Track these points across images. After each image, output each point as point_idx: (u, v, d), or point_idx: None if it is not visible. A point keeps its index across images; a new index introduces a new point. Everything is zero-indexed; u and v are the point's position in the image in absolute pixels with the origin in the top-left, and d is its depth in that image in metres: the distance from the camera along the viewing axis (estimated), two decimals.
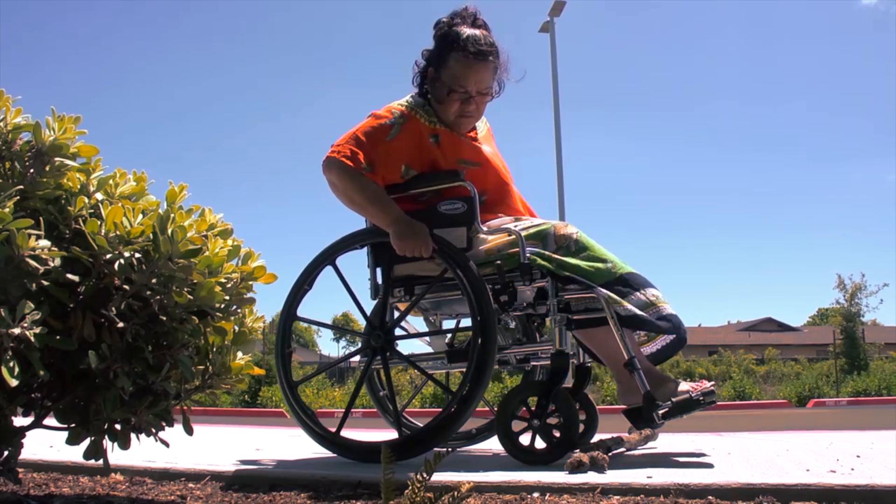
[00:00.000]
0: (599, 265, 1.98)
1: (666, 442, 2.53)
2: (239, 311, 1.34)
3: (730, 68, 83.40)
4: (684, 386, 1.93)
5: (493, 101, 2.28)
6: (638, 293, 1.96)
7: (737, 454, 2.07)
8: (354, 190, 2.08)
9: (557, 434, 1.86)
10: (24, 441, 1.24)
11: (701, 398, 1.85)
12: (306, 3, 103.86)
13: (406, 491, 1.08)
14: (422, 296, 2.16)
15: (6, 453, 1.22)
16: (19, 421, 1.23)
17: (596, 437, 1.95)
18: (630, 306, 1.91)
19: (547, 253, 1.99)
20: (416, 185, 2.18)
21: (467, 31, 2.16)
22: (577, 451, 1.71)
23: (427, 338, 2.47)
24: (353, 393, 2.19)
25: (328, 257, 2.19)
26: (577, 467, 1.67)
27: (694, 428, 4.16)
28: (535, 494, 1.42)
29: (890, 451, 2.03)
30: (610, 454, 1.83)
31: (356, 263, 2.29)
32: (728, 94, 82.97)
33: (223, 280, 1.25)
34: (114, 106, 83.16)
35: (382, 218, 2.08)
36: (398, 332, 2.18)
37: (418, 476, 1.08)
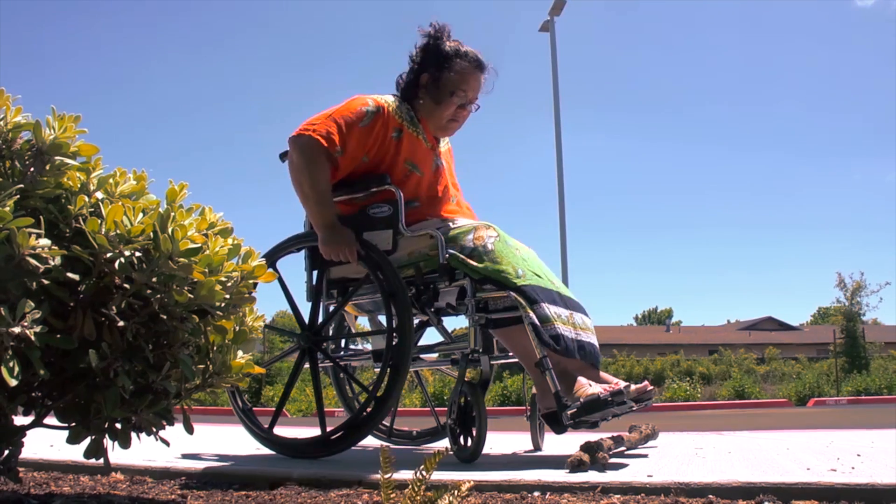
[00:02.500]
0: (508, 271, 1.99)
1: (666, 441, 2.53)
2: (239, 309, 1.34)
3: (729, 67, 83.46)
4: (596, 388, 1.90)
5: (489, 107, 2.42)
6: (541, 305, 1.96)
7: (737, 453, 2.07)
8: (308, 177, 2.13)
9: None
10: (24, 440, 1.24)
11: (609, 398, 1.83)
12: (307, 3, 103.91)
13: (406, 490, 1.08)
14: (348, 298, 2.24)
15: (7, 452, 1.22)
16: (20, 420, 1.23)
17: (596, 437, 1.95)
18: (532, 315, 1.92)
19: (461, 256, 2.03)
20: (344, 190, 2.24)
21: (464, 47, 2.31)
22: (578, 449, 1.72)
23: (365, 338, 2.55)
24: (317, 394, 2.21)
25: (268, 259, 2.27)
26: (578, 466, 1.67)
27: (694, 427, 4.16)
28: (536, 493, 1.43)
29: (890, 450, 2.03)
30: (610, 453, 1.84)
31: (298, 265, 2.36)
32: (727, 93, 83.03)
33: (223, 279, 1.24)
34: (114, 105, 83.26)
35: (317, 219, 2.14)
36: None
37: (418, 475, 1.08)
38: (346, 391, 2.74)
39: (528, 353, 2.00)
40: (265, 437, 2.21)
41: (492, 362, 2.31)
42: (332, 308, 2.33)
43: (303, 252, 2.35)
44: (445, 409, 2.02)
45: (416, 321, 2.51)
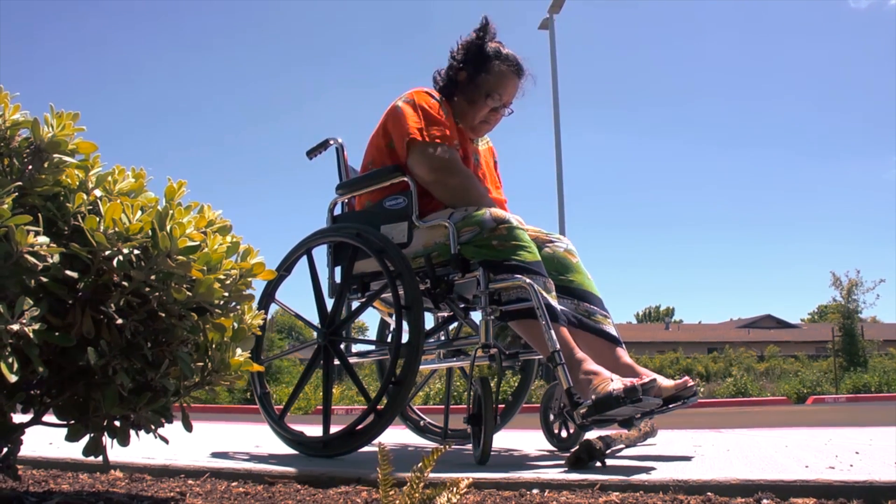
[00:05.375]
0: (528, 248, 2.00)
1: (665, 438, 2.54)
2: (238, 307, 1.34)
3: (728, 65, 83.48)
4: (616, 383, 1.75)
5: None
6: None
7: (736, 450, 2.08)
8: (452, 175, 2.15)
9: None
10: (23, 438, 1.24)
11: (623, 395, 1.68)
12: (307, 2, 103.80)
13: (405, 487, 1.08)
14: (377, 294, 2.21)
15: (5, 450, 1.22)
16: (18, 418, 1.23)
17: (595, 434, 1.93)
18: (545, 296, 1.90)
19: (485, 235, 2.00)
20: (364, 182, 2.25)
21: (505, 49, 2.33)
22: (577, 447, 1.72)
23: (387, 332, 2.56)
24: (325, 394, 2.18)
25: (304, 246, 2.26)
26: (576, 463, 1.67)
27: (693, 425, 4.17)
28: (535, 491, 1.43)
29: (888, 448, 2.03)
30: (609, 451, 1.83)
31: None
32: (727, 91, 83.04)
33: (222, 276, 1.24)
34: (112, 103, 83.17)
35: (484, 199, 2.15)
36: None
37: (416, 472, 1.08)
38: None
39: (544, 346, 1.90)
40: (276, 425, 2.21)
41: (522, 357, 2.30)
42: (354, 305, 2.31)
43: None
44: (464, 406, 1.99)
45: (444, 315, 2.51)
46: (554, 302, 1.93)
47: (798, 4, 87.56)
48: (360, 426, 1.98)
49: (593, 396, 1.73)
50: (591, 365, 1.86)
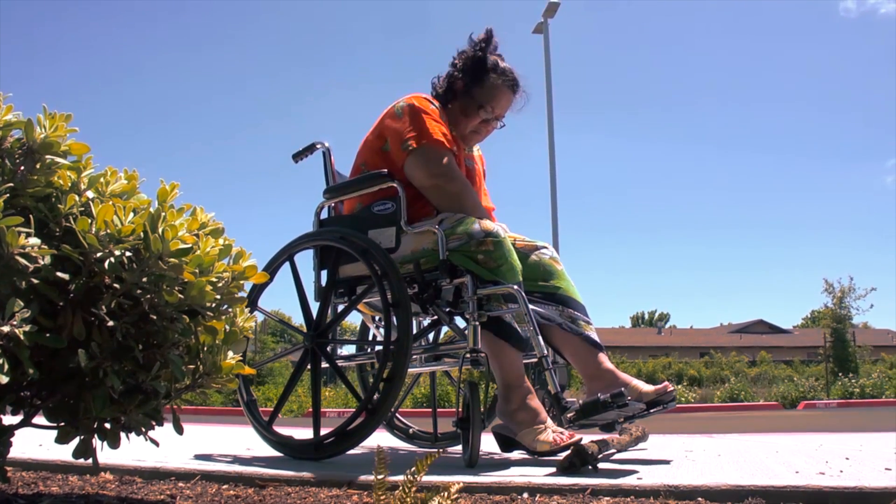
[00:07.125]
0: (513, 265, 2.03)
1: (657, 443, 2.54)
2: (230, 310, 1.34)
3: (720, 69, 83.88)
4: (549, 434, 1.92)
5: None
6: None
7: (727, 456, 2.08)
8: (451, 177, 2.16)
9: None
10: (12, 440, 1.23)
11: (609, 400, 1.78)
12: (302, 2, 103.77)
13: (397, 491, 1.08)
14: (361, 296, 2.21)
15: None
16: (8, 419, 1.23)
17: (587, 439, 1.95)
18: (541, 309, 2.02)
19: (473, 248, 2.02)
20: (352, 187, 2.26)
21: (503, 63, 2.35)
22: (569, 451, 1.72)
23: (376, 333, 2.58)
24: (314, 397, 2.17)
25: (286, 252, 2.27)
26: (568, 468, 1.67)
27: (684, 429, 4.18)
28: (525, 495, 1.43)
29: (879, 454, 2.04)
30: (600, 455, 1.84)
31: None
32: (720, 95, 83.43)
33: (214, 279, 1.24)
34: (105, 104, 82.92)
35: (478, 210, 2.17)
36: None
37: (409, 476, 1.08)
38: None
39: (498, 368, 2.03)
40: (264, 431, 2.20)
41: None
42: (340, 308, 2.32)
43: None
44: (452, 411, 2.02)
45: (427, 321, 2.52)
46: (525, 326, 1.99)
47: (792, 7, 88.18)
48: (351, 426, 1.98)
49: (580, 401, 1.85)
50: (534, 401, 2.00)
